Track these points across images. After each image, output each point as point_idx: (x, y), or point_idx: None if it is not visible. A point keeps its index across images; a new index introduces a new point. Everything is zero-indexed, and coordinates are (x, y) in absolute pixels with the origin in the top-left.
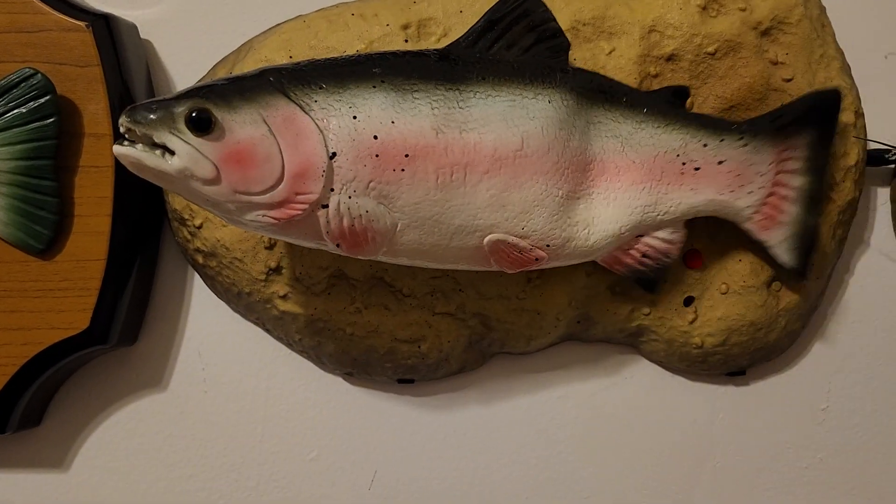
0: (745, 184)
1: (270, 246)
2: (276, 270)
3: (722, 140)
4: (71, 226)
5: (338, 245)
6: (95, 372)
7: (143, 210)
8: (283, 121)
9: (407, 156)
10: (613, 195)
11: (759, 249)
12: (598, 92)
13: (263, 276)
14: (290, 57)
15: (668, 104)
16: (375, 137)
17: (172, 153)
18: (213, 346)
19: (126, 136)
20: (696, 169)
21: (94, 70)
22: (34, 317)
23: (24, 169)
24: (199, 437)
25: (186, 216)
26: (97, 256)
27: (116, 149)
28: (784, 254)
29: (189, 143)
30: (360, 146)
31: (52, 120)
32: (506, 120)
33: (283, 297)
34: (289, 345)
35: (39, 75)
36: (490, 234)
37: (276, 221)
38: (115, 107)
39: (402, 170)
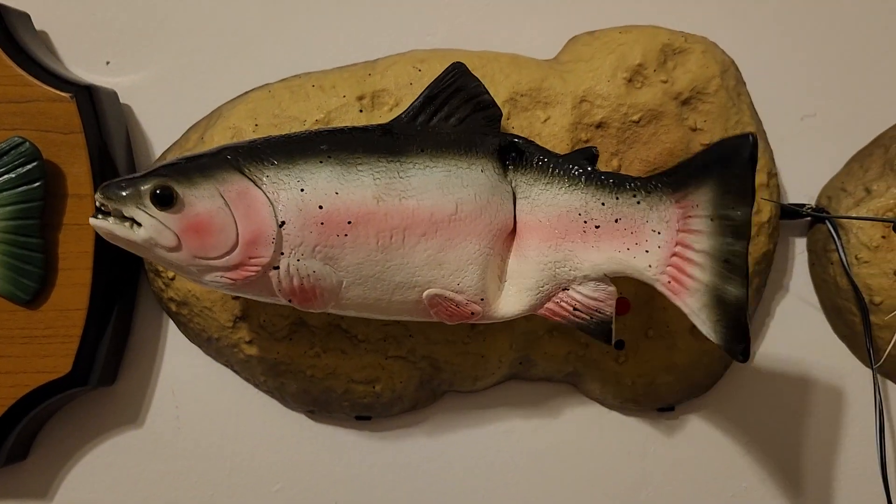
0: (639, 242)
1: (237, 297)
2: (242, 318)
3: (617, 198)
4: (55, 278)
5: (290, 301)
6: (77, 411)
7: (121, 263)
8: (237, 194)
9: (349, 222)
10: (526, 253)
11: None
12: (519, 156)
13: (231, 324)
14: (256, 124)
15: (577, 165)
16: (321, 207)
17: (140, 225)
18: (185, 387)
19: (101, 209)
20: (597, 227)
21: (78, 137)
22: (21, 361)
23: (13, 228)
24: (172, 471)
25: (161, 269)
26: (79, 306)
27: (92, 221)
28: (703, 325)
29: (153, 217)
30: (306, 215)
31: (38, 184)
32: (442, 188)
33: (249, 343)
34: (255, 385)
35: (27, 143)
36: (428, 289)
37: (233, 282)
38: (97, 169)
39: (346, 234)
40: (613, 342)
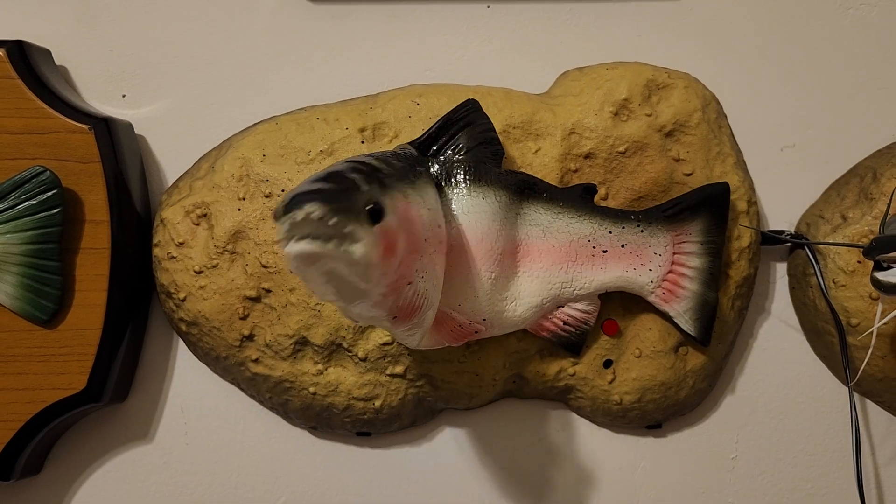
0: (644, 263)
1: (244, 317)
2: (249, 338)
3: (623, 227)
4: (72, 300)
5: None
6: (90, 426)
7: (134, 285)
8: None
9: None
10: (536, 273)
11: (667, 319)
12: (524, 188)
13: (238, 343)
14: (264, 155)
15: (580, 198)
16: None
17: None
18: (194, 403)
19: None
20: (604, 251)
21: (95, 166)
22: (38, 378)
23: (33, 252)
24: (180, 484)
25: (172, 290)
26: (94, 326)
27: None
28: (685, 324)
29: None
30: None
31: (58, 210)
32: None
33: (255, 361)
34: (260, 402)
35: (48, 172)
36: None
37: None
38: (113, 197)
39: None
40: (603, 361)
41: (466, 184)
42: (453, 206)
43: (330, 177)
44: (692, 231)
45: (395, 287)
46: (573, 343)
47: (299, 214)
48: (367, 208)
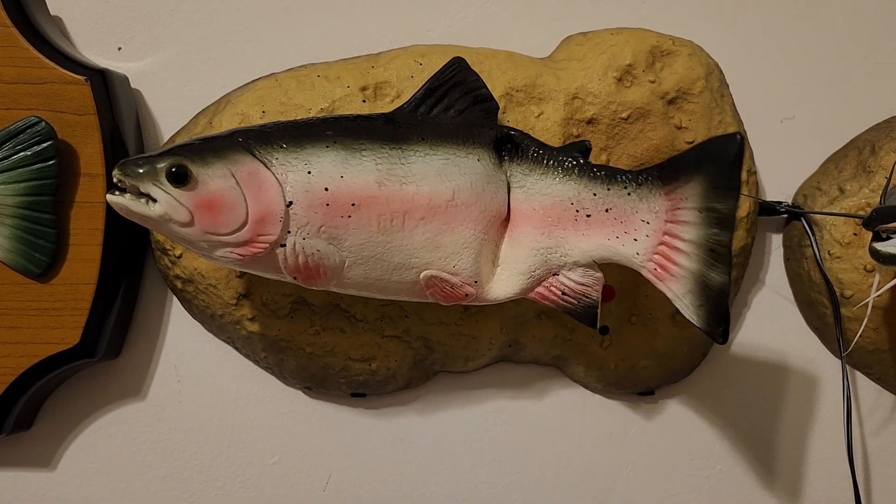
0: (628, 231)
1: (241, 275)
2: (246, 296)
3: (609, 189)
4: (66, 254)
5: (294, 278)
6: (82, 382)
7: (129, 241)
8: (248, 175)
9: (353, 204)
10: (519, 239)
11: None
12: (515, 148)
13: (234, 301)
14: (263, 111)
15: (571, 158)
16: (326, 189)
17: (155, 201)
18: (187, 362)
19: (118, 185)
20: (588, 216)
21: (91, 118)
22: (31, 332)
23: (27, 204)
24: (173, 442)
25: (168, 247)
26: (88, 281)
27: (109, 197)
28: (686, 309)
29: (168, 193)
30: (313, 196)
31: (52, 162)
32: (440, 175)
33: (251, 320)
34: (255, 361)
35: (43, 123)
36: (425, 270)
37: (241, 257)
38: (108, 150)
39: (349, 216)
40: (598, 327)
41: (457, 145)
42: (441, 167)
43: (166, 150)
44: (688, 195)
45: (250, 245)
46: (580, 314)
47: (117, 174)
48: (170, 171)
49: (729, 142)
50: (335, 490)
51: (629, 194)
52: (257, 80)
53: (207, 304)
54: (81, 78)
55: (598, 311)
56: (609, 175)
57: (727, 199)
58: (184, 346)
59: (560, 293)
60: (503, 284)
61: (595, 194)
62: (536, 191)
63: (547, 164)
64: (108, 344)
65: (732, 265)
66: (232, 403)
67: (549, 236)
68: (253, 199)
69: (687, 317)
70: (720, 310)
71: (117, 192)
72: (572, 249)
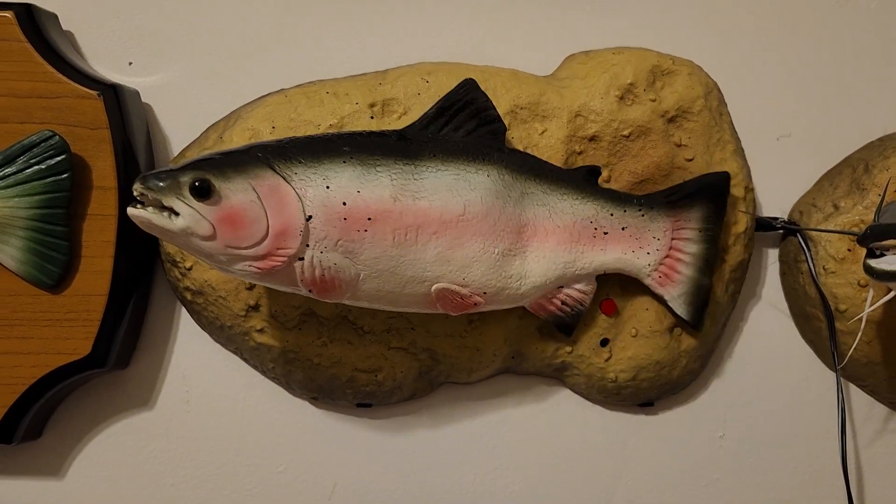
0: (643, 246)
1: (250, 287)
2: (255, 308)
3: (625, 211)
4: (78, 265)
5: (310, 291)
6: (92, 392)
7: (140, 253)
8: (269, 189)
9: (369, 219)
10: (543, 253)
11: (662, 302)
12: (530, 168)
13: (243, 313)
14: (273, 127)
15: (584, 180)
16: (344, 204)
17: (177, 214)
18: (196, 372)
19: (139, 199)
20: (605, 233)
21: (103, 132)
22: (42, 343)
23: (40, 216)
24: (181, 451)
25: (178, 259)
26: (99, 292)
27: (130, 211)
28: (678, 307)
29: (192, 207)
30: (331, 211)
31: (66, 175)
32: (451, 190)
33: (260, 331)
34: (263, 372)
35: (57, 137)
36: (437, 283)
37: (260, 270)
38: (120, 163)
39: (365, 230)
40: (600, 340)
41: (467, 162)
42: (452, 182)
43: (188, 164)
44: (691, 218)
45: (269, 258)
46: (567, 324)
47: (139, 188)
48: (193, 185)
49: (721, 178)
50: (340, 499)
51: (643, 215)
52: (266, 95)
53: (217, 316)
54: (94, 93)
55: (580, 319)
56: (624, 198)
57: (718, 222)
58: (192, 357)
59: (560, 303)
60: (520, 294)
61: (612, 214)
62: (560, 210)
63: (566, 185)
64: (117, 354)
65: (730, 279)
66: (239, 413)
67: (570, 251)
68: (274, 214)
69: (678, 313)
70: (703, 306)
71: (139, 206)
72: (590, 263)
